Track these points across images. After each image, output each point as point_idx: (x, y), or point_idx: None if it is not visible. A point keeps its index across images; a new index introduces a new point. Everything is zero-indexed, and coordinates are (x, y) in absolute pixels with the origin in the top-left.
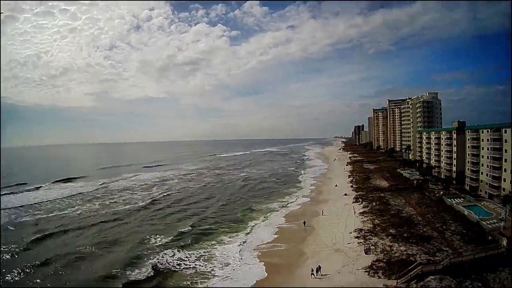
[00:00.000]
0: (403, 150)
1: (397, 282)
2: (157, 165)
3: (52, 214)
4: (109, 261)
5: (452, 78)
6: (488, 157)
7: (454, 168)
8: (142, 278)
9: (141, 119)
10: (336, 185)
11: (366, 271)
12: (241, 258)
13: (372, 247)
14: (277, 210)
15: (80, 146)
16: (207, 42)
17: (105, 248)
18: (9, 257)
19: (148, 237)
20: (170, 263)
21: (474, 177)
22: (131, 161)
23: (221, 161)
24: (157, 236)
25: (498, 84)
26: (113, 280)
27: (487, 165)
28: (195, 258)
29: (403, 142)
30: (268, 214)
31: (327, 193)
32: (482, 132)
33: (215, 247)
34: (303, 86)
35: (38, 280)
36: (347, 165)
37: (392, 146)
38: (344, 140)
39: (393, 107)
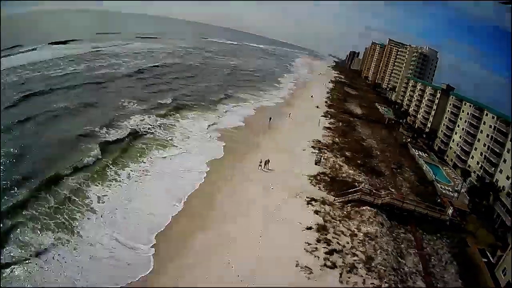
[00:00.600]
0: (388, 89)
1: (334, 199)
2: (150, 37)
3: (39, 73)
4: (86, 121)
5: (465, 50)
6: (463, 128)
7: (429, 124)
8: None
9: None
10: (311, 96)
11: (309, 179)
12: (203, 135)
13: (323, 160)
14: (251, 102)
15: (81, 12)
16: None
17: (84, 108)
18: None
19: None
20: (139, 127)
21: (445, 141)
22: (127, 30)
23: (212, 45)
24: (135, 103)
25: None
26: (89, 138)
27: (460, 136)
28: (159, 125)
29: (390, 82)
30: (242, 103)
31: (301, 100)
32: (465, 104)
33: (182, 120)
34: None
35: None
36: (329, 82)
37: (379, 82)
38: (336, 60)
39: (392, 46)
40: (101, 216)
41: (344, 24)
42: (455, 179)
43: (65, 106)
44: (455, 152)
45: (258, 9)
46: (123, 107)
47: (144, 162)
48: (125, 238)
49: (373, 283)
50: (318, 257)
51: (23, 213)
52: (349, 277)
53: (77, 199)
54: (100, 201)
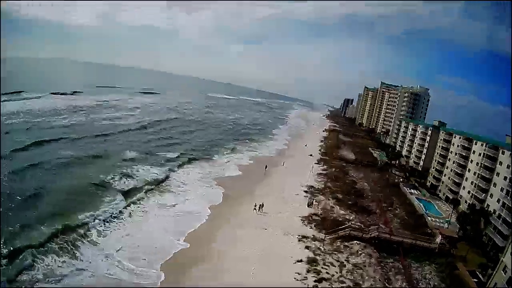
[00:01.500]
0: (382, 133)
1: (325, 237)
2: (151, 92)
3: (46, 121)
4: (96, 170)
5: (454, 83)
6: (454, 161)
7: (421, 163)
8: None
9: (140, 46)
10: (305, 145)
11: (302, 220)
12: (203, 183)
13: (315, 203)
14: (248, 153)
15: (80, 63)
16: None
17: (92, 159)
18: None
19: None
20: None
21: (437, 176)
22: (128, 84)
23: (211, 100)
24: (141, 156)
25: (500, 104)
26: (103, 187)
27: (451, 169)
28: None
29: (383, 126)
30: (239, 154)
31: (295, 150)
32: (455, 137)
33: (185, 169)
34: (306, 48)
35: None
36: (323, 131)
37: (373, 127)
38: (331, 109)
39: (384, 89)
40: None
41: (336, 72)
42: (447, 211)
43: (74, 155)
44: (446, 186)
45: (258, 68)
46: (129, 159)
47: (152, 205)
48: None
49: None
50: (308, 285)
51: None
52: None
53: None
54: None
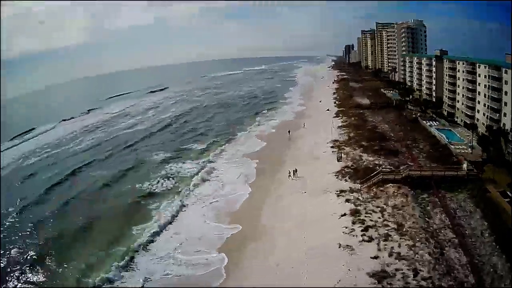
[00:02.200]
0: (389, 71)
1: (360, 186)
2: (159, 89)
3: (69, 150)
4: (134, 184)
5: (445, 8)
6: (463, 87)
7: (433, 94)
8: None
9: (133, 47)
10: (320, 101)
11: (335, 175)
12: (234, 164)
13: (343, 156)
14: (268, 122)
15: (80, 81)
16: None
17: (126, 173)
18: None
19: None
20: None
21: (451, 104)
22: (132, 88)
23: (217, 80)
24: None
25: (493, 20)
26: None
27: (462, 95)
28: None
29: (389, 64)
30: (261, 125)
31: (311, 109)
32: (458, 63)
33: (215, 157)
34: (295, 8)
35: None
36: (333, 82)
37: (379, 67)
38: (335, 58)
39: (380, 29)
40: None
41: (332, 22)
42: (468, 136)
43: (108, 174)
44: (462, 112)
45: (250, 34)
46: (162, 161)
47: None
48: None
49: (407, 244)
50: (356, 235)
51: None
52: (385, 245)
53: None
54: None
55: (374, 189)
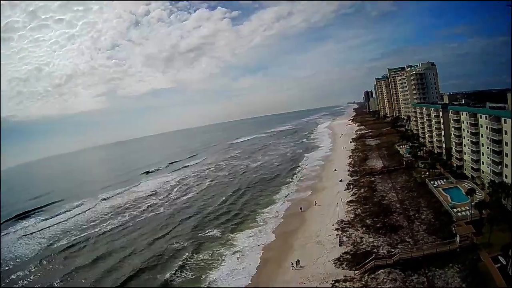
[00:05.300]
0: (405, 120)
1: (355, 274)
2: (185, 161)
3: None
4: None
5: (454, 32)
6: (468, 139)
7: (443, 145)
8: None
9: (151, 113)
10: (335, 170)
11: (334, 263)
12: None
13: (345, 239)
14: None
15: (92, 151)
16: (209, 27)
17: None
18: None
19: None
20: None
21: (459, 157)
22: (157, 158)
23: (236, 149)
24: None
25: (499, 35)
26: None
27: (468, 147)
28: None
29: (405, 112)
30: (272, 205)
31: (326, 179)
32: (462, 114)
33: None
34: (309, 56)
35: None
36: (350, 142)
37: (397, 115)
38: (356, 106)
39: (393, 75)
40: None
41: (347, 67)
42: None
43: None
44: (469, 164)
45: (265, 91)
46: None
47: None
48: None
49: None
50: None
51: None
52: None
53: None
54: None
55: (366, 276)
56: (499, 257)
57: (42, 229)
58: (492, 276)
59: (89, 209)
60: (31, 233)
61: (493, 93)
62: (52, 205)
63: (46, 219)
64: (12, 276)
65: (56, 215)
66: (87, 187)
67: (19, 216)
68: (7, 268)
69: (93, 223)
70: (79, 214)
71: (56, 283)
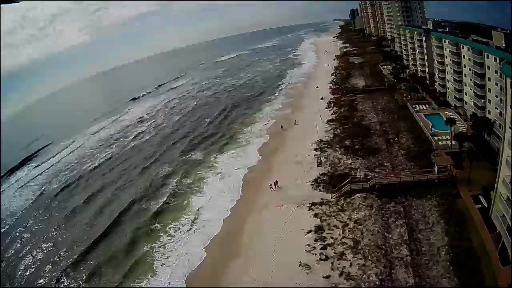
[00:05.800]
0: (390, 41)
1: (331, 196)
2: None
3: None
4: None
5: None
6: (450, 67)
7: (426, 69)
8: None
9: (136, 38)
10: (317, 87)
11: (312, 184)
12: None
13: (323, 160)
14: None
15: (82, 83)
16: None
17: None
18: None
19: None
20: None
21: (442, 83)
22: (147, 83)
23: (221, 67)
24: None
25: None
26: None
27: (451, 75)
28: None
29: (389, 33)
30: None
31: (308, 97)
32: (445, 42)
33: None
34: None
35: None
36: (334, 59)
37: (382, 34)
38: (342, 23)
39: None
40: None
41: None
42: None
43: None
44: (452, 92)
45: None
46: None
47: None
48: None
49: (358, 264)
50: (315, 254)
51: None
52: (339, 264)
53: None
54: None
55: (342, 200)
56: (480, 197)
57: (34, 177)
58: (472, 216)
59: (79, 146)
60: (25, 184)
61: (481, 27)
62: (44, 150)
63: (37, 166)
64: (12, 234)
65: (48, 160)
66: (77, 123)
67: (11, 171)
68: (7, 227)
69: (83, 160)
70: (69, 153)
71: (54, 229)
